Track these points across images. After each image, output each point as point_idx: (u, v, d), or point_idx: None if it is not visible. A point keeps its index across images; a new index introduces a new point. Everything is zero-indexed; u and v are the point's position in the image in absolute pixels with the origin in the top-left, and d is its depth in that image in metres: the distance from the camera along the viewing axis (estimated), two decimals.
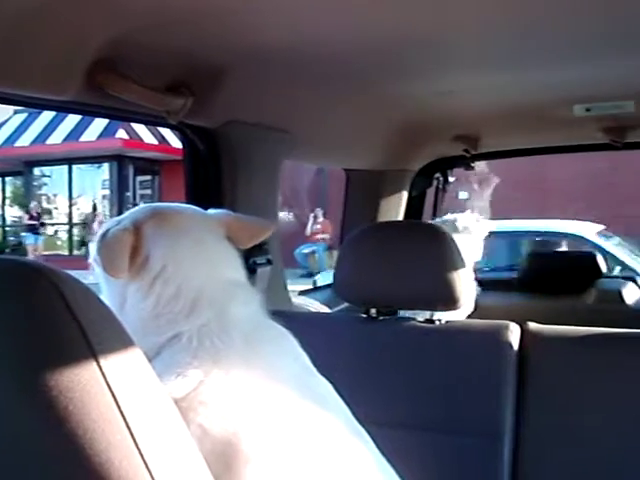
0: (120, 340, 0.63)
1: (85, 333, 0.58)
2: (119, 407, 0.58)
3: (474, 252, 2.45)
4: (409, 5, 1.10)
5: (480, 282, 2.48)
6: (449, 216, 2.50)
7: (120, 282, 0.97)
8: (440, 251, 1.55)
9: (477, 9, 1.13)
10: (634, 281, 2.87)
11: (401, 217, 2.56)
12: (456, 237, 2.21)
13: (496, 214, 2.87)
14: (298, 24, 1.19)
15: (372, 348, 1.61)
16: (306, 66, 1.45)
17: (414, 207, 2.63)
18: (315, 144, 1.98)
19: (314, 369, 1.02)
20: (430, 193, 2.76)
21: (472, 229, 2.43)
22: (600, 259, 2.91)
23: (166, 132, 12.84)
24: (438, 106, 1.92)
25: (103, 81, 1.17)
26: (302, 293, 2.33)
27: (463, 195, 2.71)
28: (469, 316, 1.97)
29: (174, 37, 1.19)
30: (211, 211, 1.11)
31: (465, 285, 1.55)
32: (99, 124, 13.05)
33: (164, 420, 0.64)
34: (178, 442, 0.64)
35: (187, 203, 1.73)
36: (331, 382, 1.02)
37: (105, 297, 0.97)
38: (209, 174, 1.70)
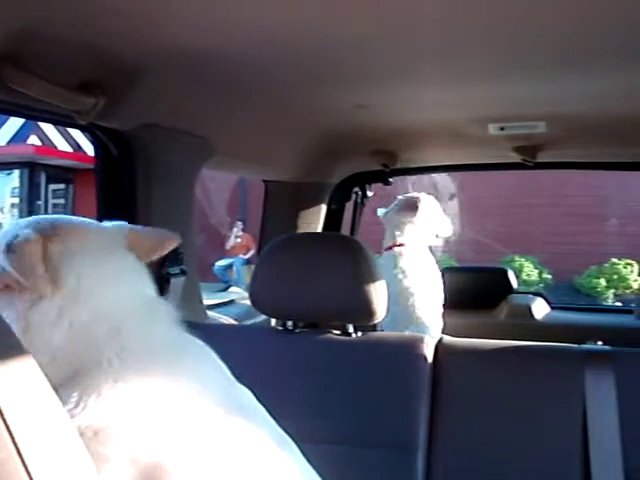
0: (11, 351, 0.58)
1: None
2: (5, 422, 0.53)
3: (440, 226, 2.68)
4: (325, 16, 1.09)
5: None
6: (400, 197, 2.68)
7: (21, 304, 0.88)
8: (356, 264, 1.55)
9: (393, 25, 1.13)
10: (543, 297, 2.97)
11: (320, 230, 2.55)
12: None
13: None
14: (216, 29, 1.17)
15: (288, 361, 1.59)
16: (224, 72, 1.42)
17: (333, 221, 2.63)
18: (234, 153, 1.95)
19: (237, 382, 1.00)
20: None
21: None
22: (511, 275, 3.00)
23: (82, 140, 12.44)
24: (356, 120, 1.93)
25: (6, 76, 1.11)
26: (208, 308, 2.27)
27: (381, 212, 2.74)
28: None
29: (83, 32, 1.14)
30: (108, 223, 1.05)
31: (381, 298, 1.55)
32: (9, 129, 12.50)
33: (57, 439, 0.59)
34: (74, 465, 0.60)
35: (99, 211, 1.67)
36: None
37: None
38: (122, 180, 1.63)
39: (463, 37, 1.20)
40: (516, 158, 2.29)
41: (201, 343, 0.99)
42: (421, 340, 1.54)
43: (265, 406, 1.00)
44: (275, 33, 1.18)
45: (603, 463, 1.36)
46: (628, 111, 1.77)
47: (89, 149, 12.31)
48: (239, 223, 12.08)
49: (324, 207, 2.55)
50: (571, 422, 1.41)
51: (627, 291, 10.33)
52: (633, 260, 10.55)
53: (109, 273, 0.94)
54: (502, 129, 1.96)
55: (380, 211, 2.72)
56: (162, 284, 1.65)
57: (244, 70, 1.41)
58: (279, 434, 0.97)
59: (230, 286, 11.61)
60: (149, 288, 1.00)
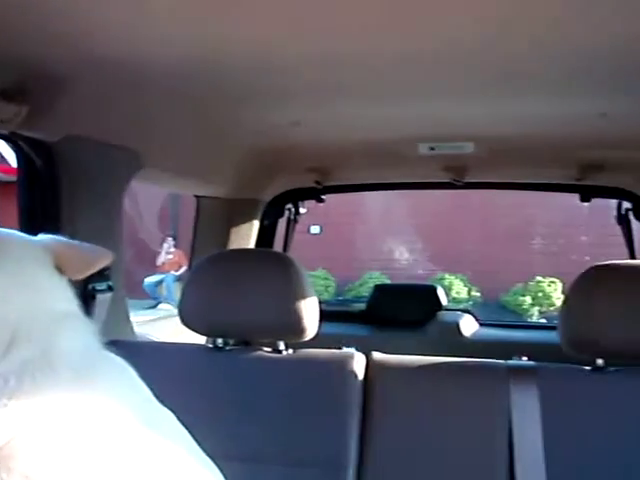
0: None
1: None
2: None
3: None
4: (258, 31, 1.09)
5: (327, 313, 2.52)
6: None
7: None
8: (287, 280, 1.54)
9: (327, 44, 1.14)
10: (471, 314, 3.02)
11: (252, 247, 2.54)
12: None
13: None
14: (144, 41, 1.14)
15: (218, 379, 1.57)
16: (153, 85, 1.39)
17: (265, 237, 2.62)
18: (163, 167, 1.92)
19: (156, 401, 0.96)
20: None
21: None
22: (441, 292, 3.05)
23: (6, 150, 12.02)
24: (289, 137, 1.94)
25: None
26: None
27: (315, 230, 2.76)
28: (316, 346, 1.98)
29: (2, 37, 1.10)
30: (39, 236, 1.01)
31: (312, 315, 1.55)
32: None
33: None
34: None
35: (21, 226, 1.61)
36: (175, 414, 0.97)
37: None
38: (46, 194, 1.58)
39: (395, 58, 1.22)
40: (446, 177, 2.35)
41: (119, 361, 0.95)
42: (351, 357, 1.54)
43: (194, 425, 0.97)
44: (207, 48, 1.17)
45: (527, 474, 1.39)
46: (552, 134, 1.84)
47: (13, 161, 11.89)
48: (170, 239, 11.90)
49: (256, 223, 2.54)
50: (498, 435, 1.43)
51: (551, 308, 10.67)
52: (557, 278, 10.92)
53: (13, 286, 0.88)
54: (432, 149, 2.00)
55: (314, 228, 2.73)
56: (87, 300, 1.60)
57: (173, 83, 1.38)
58: (200, 456, 0.94)
59: (159, 303, 11.40)
60: (66, 303, 0.96)
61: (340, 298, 10.13)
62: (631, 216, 2.45)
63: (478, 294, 11.64)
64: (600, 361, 1.46)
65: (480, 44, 1.13)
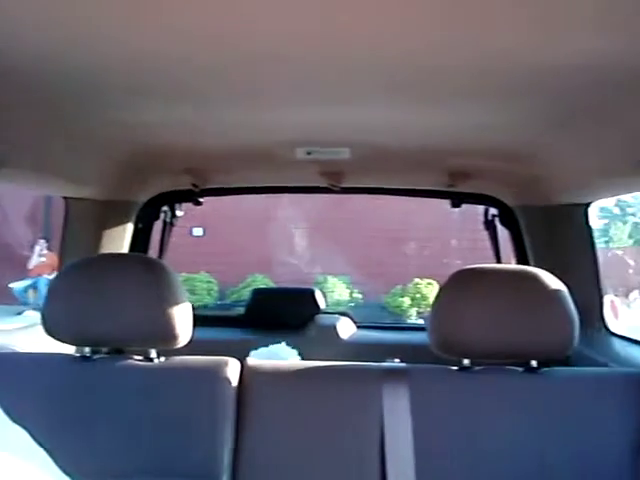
0: None
1: None
2: None
3: None
4: (126, 28, 1.04)
5: (206, 318, 2.48)
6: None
7: None
8: (158, 286, 1.50)
9: (203, 46, 1.11)
10: (349, 316, 3.07)
11: (126, 250, 2.45)
12: None
13: None
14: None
15: (85, 391, 1.49)
16: (7, 80, 1.30)
17: (140, 240, 2.53)
18: (27, 167, 1.80)
19: (6, 419, 0.90)
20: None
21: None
22: (319, 295, 3.07)
23: None
24: (164, 137, 1.88)
25: None
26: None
27: (198, 232, 2.70)
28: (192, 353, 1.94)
29: None
30: None
31: (185, 321, 1.51)
32: None
33: None
34: None
35: None
36: (35, 430, 0.90)
37: None
38: None
39: (273, 63, 1.21)
40: (323, 182, 2.37)
41: None
42: (225, 363, 1.52)
43: (57, 441, 0.92)
44: (69, 43, 1.10)
45: (398, 472, 1.42)
46: (425, 142, 1.90)
47: None
48: (42, 241, 11.33)
49: (130, 226, 2.45)
50: (370, 436, 1.46)
51: (428, 309, 11.06)
52: (433, 280, 11.37)
53: None
54: (309, 153, 2.01)
55: (197, 230, 2.68)
56: None
57: (32, 80, 1.30)
58: (58, 476, 0.89)
59: (26, 309, 10.75)
60: None
61: (220, 302, 10.06)
62: (497, 222, 2.58)
63: (360, 296, 11.91)
64: (466, 361, 1.52)
65: (354, 52, 1.14)
